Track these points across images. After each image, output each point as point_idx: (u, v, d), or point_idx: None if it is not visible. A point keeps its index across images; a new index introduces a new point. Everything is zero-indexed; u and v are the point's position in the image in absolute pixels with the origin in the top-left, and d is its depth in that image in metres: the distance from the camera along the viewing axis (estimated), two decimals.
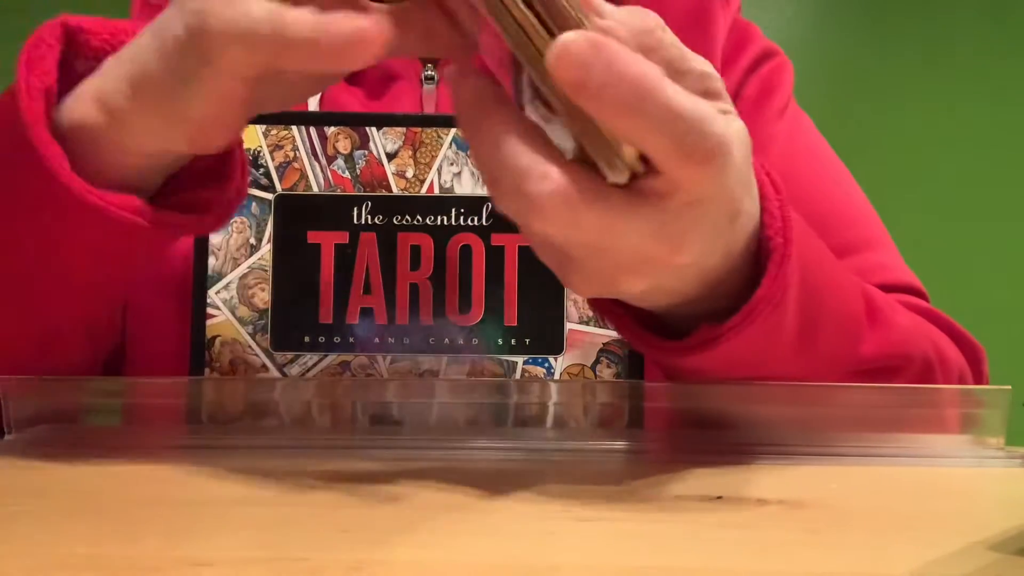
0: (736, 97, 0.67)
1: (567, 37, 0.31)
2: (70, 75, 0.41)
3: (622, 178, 0.33)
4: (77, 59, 0.42)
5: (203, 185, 0.44)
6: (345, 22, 0.34)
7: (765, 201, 0.40)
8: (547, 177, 0.32)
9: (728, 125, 0.34)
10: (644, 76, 0.31)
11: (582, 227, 0.33)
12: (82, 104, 0.40)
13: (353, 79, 0.64)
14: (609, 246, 0.34)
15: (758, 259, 0.41)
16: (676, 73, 0.34)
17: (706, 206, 0.35)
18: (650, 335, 0.43)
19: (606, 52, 0.31)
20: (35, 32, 0.41)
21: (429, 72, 0.63)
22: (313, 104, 0.61)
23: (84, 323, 0.49)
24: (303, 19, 0.34)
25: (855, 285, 0.50)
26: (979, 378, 0.59)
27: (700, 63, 0.35)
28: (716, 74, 0.36)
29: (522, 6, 0.32)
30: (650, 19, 0.34)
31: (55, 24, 0.41)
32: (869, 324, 0.49)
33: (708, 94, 0.35)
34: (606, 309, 0.44)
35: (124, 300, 0.57)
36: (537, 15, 0.32)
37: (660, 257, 0.35)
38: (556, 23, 0.32)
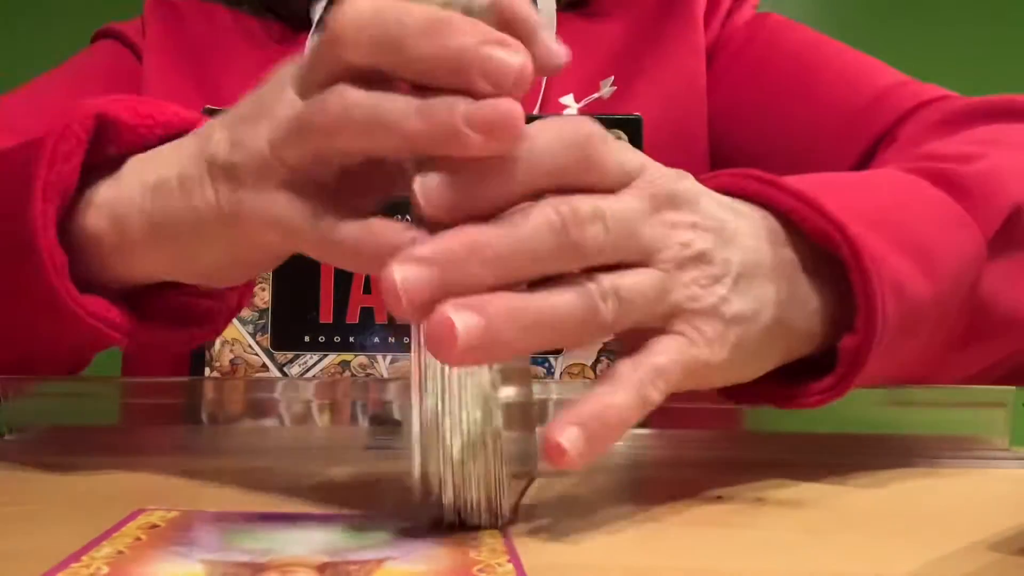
0: (722, 40, 0.68)
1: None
2: (95, 157, 0.39)
3: None
4: (108, 146, 0.39)
5: (201, 291, 0.42)
6: (387, 234, 0.31)
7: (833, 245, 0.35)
8: None
9: None
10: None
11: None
12: (98, 217, 0.38)
13: None
14: None
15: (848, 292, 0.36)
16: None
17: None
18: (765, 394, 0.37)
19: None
20: (67, 116, 0.38)
21: None
22: None
23: (66, 365, 0.47)
24: (349, 230, 0.32)
25: (956, 220, 0.41)
26: None
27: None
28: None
29: None
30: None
31: (88, 115, 0.38)
32: (990, 247, 0.41)
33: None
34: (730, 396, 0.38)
35: None
36: None
37: None
38: None
